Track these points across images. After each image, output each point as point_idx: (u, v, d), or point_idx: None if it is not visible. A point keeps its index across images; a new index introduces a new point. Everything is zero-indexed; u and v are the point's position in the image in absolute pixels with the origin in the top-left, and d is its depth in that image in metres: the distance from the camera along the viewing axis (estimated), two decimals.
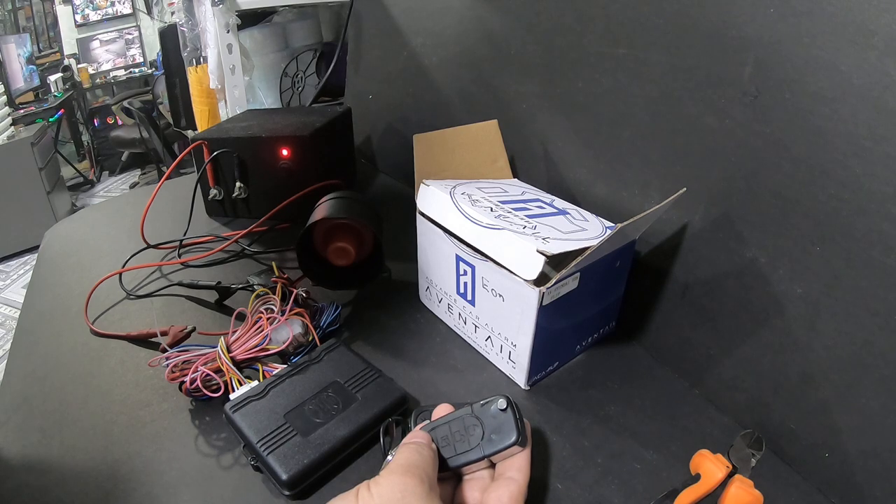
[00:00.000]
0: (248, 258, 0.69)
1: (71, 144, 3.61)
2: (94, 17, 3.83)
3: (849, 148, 0.35)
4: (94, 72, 3.82)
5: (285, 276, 0.56)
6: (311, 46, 1.28)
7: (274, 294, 0.53)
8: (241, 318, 0.50)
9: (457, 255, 0.48)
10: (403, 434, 0.40)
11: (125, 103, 3.10)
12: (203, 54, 1.15)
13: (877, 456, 0.35)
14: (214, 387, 0.45)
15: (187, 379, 0.45)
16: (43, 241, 0.80)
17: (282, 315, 0.50)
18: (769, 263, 0.41)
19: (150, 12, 3.89)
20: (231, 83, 1.06)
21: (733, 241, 0.43)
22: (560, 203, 0.52)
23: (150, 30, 3.88)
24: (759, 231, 0.41)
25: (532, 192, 0.56)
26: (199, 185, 0.76)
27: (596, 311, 0.49)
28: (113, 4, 3.86)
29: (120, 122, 3.62)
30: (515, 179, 0.60)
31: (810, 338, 0.38)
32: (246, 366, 0.48)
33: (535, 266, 0.40)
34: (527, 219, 0.46)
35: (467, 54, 0.74)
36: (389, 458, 0.37)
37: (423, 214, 0.52)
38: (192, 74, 1.27)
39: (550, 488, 0.38)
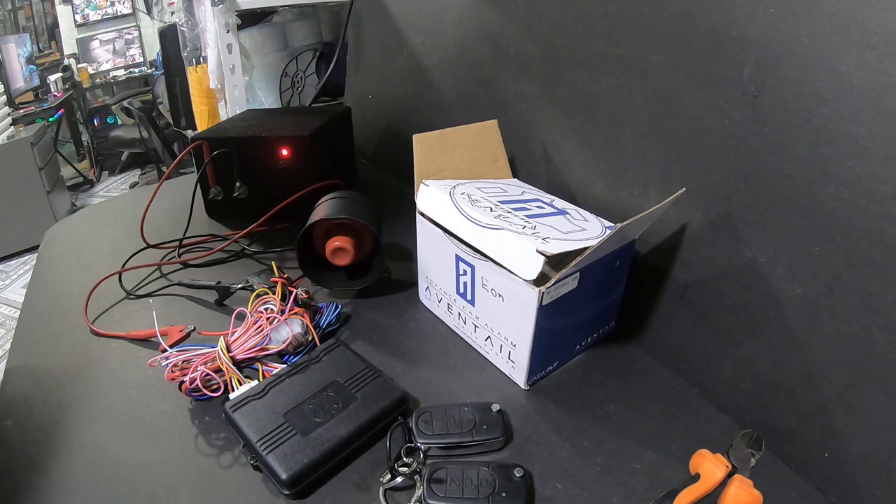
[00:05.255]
0: (248, 258, 0.69)
1: (71, 144, 3.60)
2: (93, 16, 3.83)
3: (849, 148, 0.35)
4: (93, 72, 3.82)
5: (285, 275, 0.56)
6: (310, 46, 1.27)
7: (274, 294, 0.53)
8: (241, 317, 0.50)
9: (456, 255, 0.48)
10: (405, 436, 0.40)
11: (125, 103, 3.10)
12: (203, 54, 1.14)
13: (876, 456, 0.35)
14: (214, 386, 0.45)
15: (187, 378, 0.45)
16: (43, 241, 0.80)
17: (282, 315, 0.50)
18: (769, 263, 0.41)
19: (150, 12, 3.89)
20: (231, 83, 1.06)
21: (733, 241, 0.43)
22: (560, 203, 0.52)
23: (150, 30, 3.88)
24: (758, 231, 0.41)
25: (532, 191, 0.56)
26: (199, 185, 0.76)
27: (595, 311, 0.49)
28: (113, 4, 3.85)
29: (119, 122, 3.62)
30: (515, 179, 0.60)
31: (810, 338, 0.38)
32: (246, 365, 0.48)
33: (535, 266, 0.40)
34: (526, 219, 0.46)
35: (467, 54, 0.74)
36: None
37: (423, 214, 0.52)
38: (192, 74, 1.27)
39: (550, 488, 0.38)
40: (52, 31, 3.69)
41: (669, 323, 0.49)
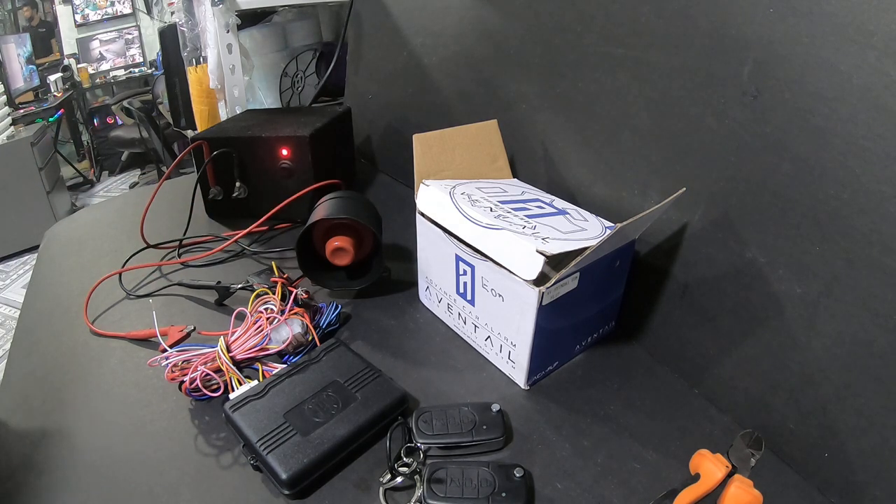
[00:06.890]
0: (248, 258, 0.69)
1: (71, 144, 3.60)
2: (93, 16, 3.83)
3: (848, 148, 0.35)
4: (93, 72, 3.82)
5: (285, 276, 0.56)
6: (310, 46, 1.27)
7: (274, 294, 0.53)
8: (241, 317, 0.50)
9: (456, 255, 0.48)
10: (405, 436, 0.40)
11: (125, 103, 3.10)
12: (203, 54, 1.14)
13: (876, 456, 0.35)
14: (214, 386, 0.45)
15: (187, 378, 0.45)
16: (43, 241, 0.80)
17: (281, 315, 0.50)
18: (769, 263, 0.41)
19: (149, 12, 3.89)
20: (231, 83, 1.06)
21: (733, 241, 0.43)
22: (560, 203, 0.52)
23: (150, 30, 3.88)
24: (759, 231, 0.41)
25: (532, 192, 0.56)
26: (199, 185, 0.76)
27: (595, 311, 0.49)
28: (113, 4, 3.85)
29: (119, 122, 3.62)
30: (515, 179, 0.60)
31: (810, 338, 0.38)
32: (246, 365, 0.48)
33: (535, 266, 0.40)
34: (526, 219, 0.46)
35: (467, 54, 0.74)
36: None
37: (422, 214, 0.52)
38: (191, 74, 1.27)
39: (550, 488, 0.38)
40: (50, 32, 3.69)
41: (669, 323, 0.49)
